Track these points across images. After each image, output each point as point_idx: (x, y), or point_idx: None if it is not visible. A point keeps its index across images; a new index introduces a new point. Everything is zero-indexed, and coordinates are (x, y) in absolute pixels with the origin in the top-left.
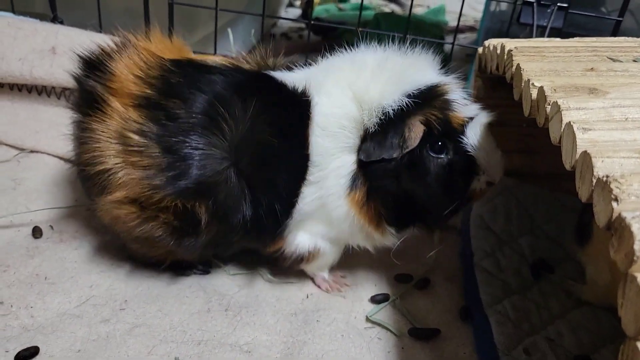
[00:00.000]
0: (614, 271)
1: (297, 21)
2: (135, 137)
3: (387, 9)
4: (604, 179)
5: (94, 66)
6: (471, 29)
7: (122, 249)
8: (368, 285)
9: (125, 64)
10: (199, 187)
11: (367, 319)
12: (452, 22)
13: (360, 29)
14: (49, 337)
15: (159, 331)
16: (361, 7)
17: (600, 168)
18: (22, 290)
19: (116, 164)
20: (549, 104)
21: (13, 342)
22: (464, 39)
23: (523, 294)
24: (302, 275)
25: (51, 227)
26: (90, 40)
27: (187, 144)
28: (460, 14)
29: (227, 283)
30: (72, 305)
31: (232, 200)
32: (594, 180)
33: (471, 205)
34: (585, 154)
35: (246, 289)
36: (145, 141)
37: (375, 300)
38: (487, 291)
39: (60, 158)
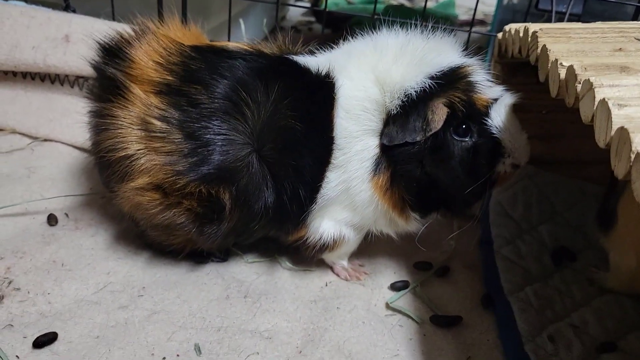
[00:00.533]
0: None
1: (310, 9)
2: (158, 123)
3: (395, 2)
4: None
5: (113, 53)
6: (481, 22)
7: (140, 237)
8: (387, 273)
9: (145, 51)
10: (221, 172)
11: (388, 306)
12: (462, 16)
13: (375, 16)
14: (67, 323)
15: (178, 317)
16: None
17: (639, 143)
18: (39, 277)
19: (138, 149)
20: (580, 83)
21: (31, 328)
22: (473, 32)
23: (544, 281)
24: (321, 263)
25: (66, 215)
26: (104, 28)
27: (210, 130)
28: (476, 8)
29: (245, 270)
30: (90, 291)
31: (254, 187)
32: (632, 156)
33: (491, 192)
34: (622, 130)
35: (264, 276)
36: (168, 127)
37: (395, 287)
38: (508, 279)
39: (74, 146)
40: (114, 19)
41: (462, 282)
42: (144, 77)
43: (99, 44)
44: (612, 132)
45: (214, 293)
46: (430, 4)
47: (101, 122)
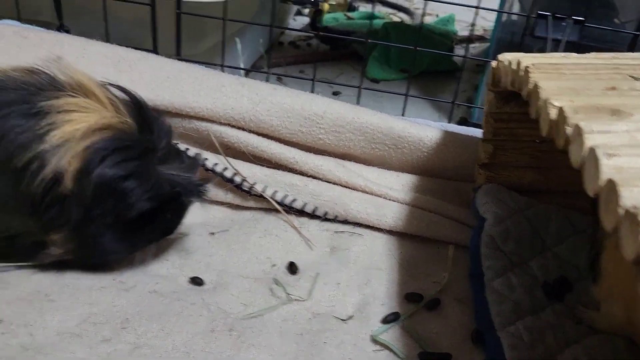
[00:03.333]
0: (633, 306)
1: (304, 32)
2: None
3: (396, 18)
4: (633, 210)
5: None
6: (480, 38)
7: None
8: (376, 305)
9: None
10: None
11: (373, 339)
12: (462, 32)
13: (369, 40)
14: (47, 357)
15: (161, 352)
16: (372, 17)
17: (628, 198)
18: (22, 308)
19: None
20: (570, 126)
21: None
22: (473, 48)
23: (536, 315)
24: (316, 293)
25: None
26: (97, 50)
27: None
28: (473, 27)
29: (232, 301)
30: (73, 323)
31: None
32: (621, 212)
33: (482, 225)
34: (611, 182)
35: (252, 308)
36: None
37: (386, 320)
38: (499, 312)
39: None
40: (108, 41)
41: (452, 316)
42: None
43: None
44: (601, 183)
45: (199, 326)
46: (429, 19)
47: None
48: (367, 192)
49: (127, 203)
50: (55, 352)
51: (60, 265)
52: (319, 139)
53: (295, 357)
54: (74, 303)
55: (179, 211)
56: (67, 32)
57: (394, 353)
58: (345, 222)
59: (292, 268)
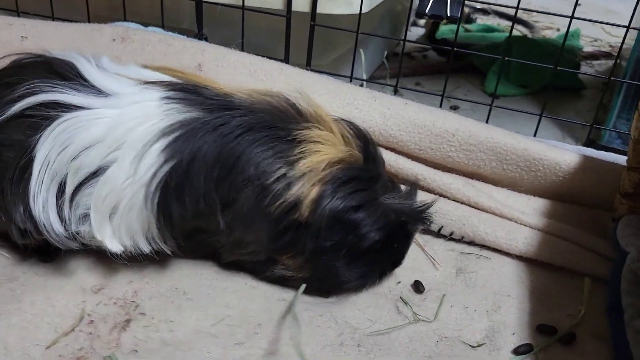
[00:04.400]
0: None
1: (421, 44)
2: None
3: (516, 32)
4: None
5: None
6: (607, 55)
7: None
8: (506, 334)
9: None
10: None
11: None
12: (586, 47)
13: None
14: (186, 355)
15: None
16: (491, 30)
17: None
18: (163, 303)
19: None
20: None
21: (154, 355)
22: (598, 65)
23: None
24: (435, 312)
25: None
26: (234, 58)
27: None
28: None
29: (358, 315)
30: (209, 323)
31: None
32: None
33: (624, 258)
34: None
35: (378, 324)
36: None
37: (518, 352)
38: None
39: None
40: (243, 50)
41: (590, 354)
42: None
43: None
44: None
45: (327, 338)
46: (550, 33)
47: None
48: (496, 214)
49: (359, 234)
50: (193, 350)
51: (195, 263)
52: (448, 157)
53: None
54: (210, 303)
55: (406, 240)
56: (206, 39)
57: None
58: (472, 243)
59: (418, 287)
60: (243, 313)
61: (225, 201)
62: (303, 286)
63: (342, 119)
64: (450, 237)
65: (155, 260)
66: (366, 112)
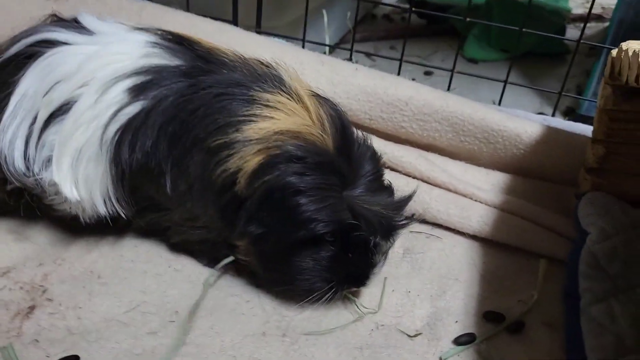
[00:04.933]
0: None
1: (397, 6)
2: None
3: None
4: None
5: None
6: (599, 17)
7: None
8: (449, 322)
9: None
10: None
11: None
12: (576, 9)
13: (468, 19)
14: (92, 346)
15: (208, 354)
16: None
17: None
18: (73, 288)
19: None
20: None
21: (56, 346)
22: (588, 28)
23: None
24: (375, 297)
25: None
26: (172, 19)
27: None
28: (592, 8)
29: (289, 302)
30: (121, 310)
31: None
32: None
33: (584, 239)
34: None
35: (310, 312)
36: None
37: (459, 342)
38: (595, 347)
39: None
40: (187, 10)
41: (538, 344)
42: None
43: None
44: None
45: (250, 327)
46: None
47: None
48: (450, 190)
49: (297, 221)
50: (100, 340)
51: (116, 242)
52: (401, 127)
53: None
54: (125, 288)
55: (364, 252)
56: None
57: None
58: (423, 222)
59: None
60: (161, 299)
61: (177, 163)
62: (226, 260)
63: (326, 99)
64: None
65: (71, 239)
66: (313, 78)
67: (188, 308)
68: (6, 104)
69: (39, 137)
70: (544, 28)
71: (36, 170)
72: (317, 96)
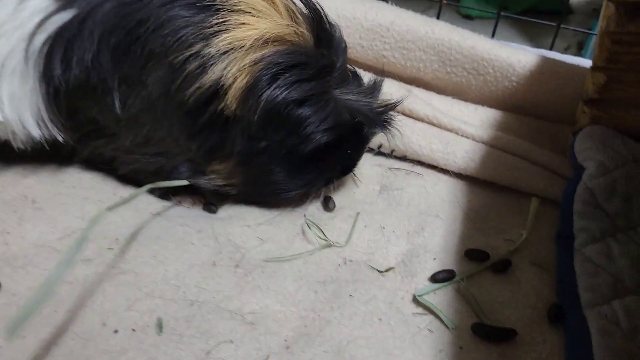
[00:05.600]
0: None
1: None
2: None
3: None
4: None
5: None
6: None
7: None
8: (427, 258)
9: None
10: None
11: (415, 299)
12: None
13: None
14: (17, 272)
15: (147, 282)
16: None
17: None
18: (4, 213)
19: None
20: None
21: None
22: None
23: None
24: (344, 233)
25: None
26: None
27: None
28: None
29: (246, 232)
30: (55, 237)
31: None
32: None
33: (580, 175)
34: None
35: (269, 244)
36: None
37: (435, 279)
38: (590, 286)
39: None
40: None
41: (525, 284)
42: None
43: None
44: None
45: (199, 257)
46: None
47: None
48: (434, 124)
49: (302, 134)
50: (27, 266)
51: (57, 168)
52: (381, 56)
53: (310, 309)
54: (61, 214)
55: (360, 145)
56: None
57: (440, 320)
58: (404, 158)
59: (328, 204)
60: (101, 227)
61: (125, 80)
62: (145, 187)
63: None
64: (378, 151)
65: (5, 165)
66: None
67: (129, 236)
68: None
69: None
70: None
71: None
72: None
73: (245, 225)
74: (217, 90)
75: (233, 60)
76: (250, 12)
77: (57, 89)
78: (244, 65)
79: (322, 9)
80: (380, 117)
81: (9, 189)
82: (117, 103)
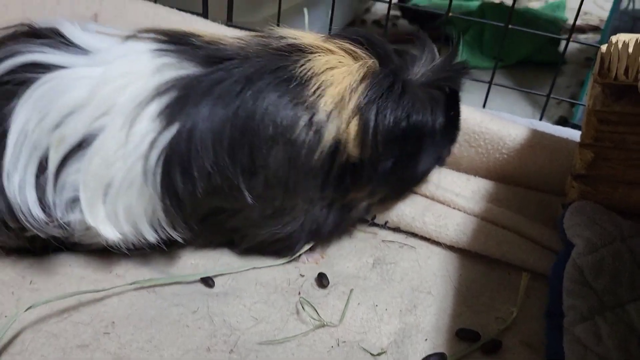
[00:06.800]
0: None
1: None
2: None
3: (496, 0)
4: None
5: None
6: (595, 29)
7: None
8: (418, 339)
9: None
10: None
11: None
12: (572, 20)
13: (451, 14)
14: (14, 359)
15: None
16: None
17: None
18: (1, 295)
19: None
20: None
21: None
22: (585, 39)
23: None
24: (338, 311)
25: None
26: (135, 8)
27: None
28: (580, 7)
29: (242, 312)
30: (52, 320)
31: None
32: None
33: (569, 252)
34: None
35: (264, 325)
36: None
37: None
38: None
39: None
40: (156, 2)
41: None
42: None
43: None
44: None
45: (193, 341)
46: (536, 4)
47: None
48: (427, 197)
49: (423, 133)
50: (24, 352)
51: (51, 250)
52: None
53: None
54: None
55: (456, 106)
56: None
57: None
58: (397, 230)
59: (322, 280)
60: (97, 308)
61: (248, 170)
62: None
63: (330, 34)
64: (372, 222)
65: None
66: None
67: (125, 319)
68: (4, 146)
69: (56, 180)
70: (537, 39)
71: (59, 214)
72: (330, 37)
73: (241, 305)
74: (338, 146)
75: (338, 115)
76: (331, 69)
77: (179, 199)
78: (349, 115)
79: (364, 35)
80: (460, 74)
81: (7, 270)
82: (245, 193)
